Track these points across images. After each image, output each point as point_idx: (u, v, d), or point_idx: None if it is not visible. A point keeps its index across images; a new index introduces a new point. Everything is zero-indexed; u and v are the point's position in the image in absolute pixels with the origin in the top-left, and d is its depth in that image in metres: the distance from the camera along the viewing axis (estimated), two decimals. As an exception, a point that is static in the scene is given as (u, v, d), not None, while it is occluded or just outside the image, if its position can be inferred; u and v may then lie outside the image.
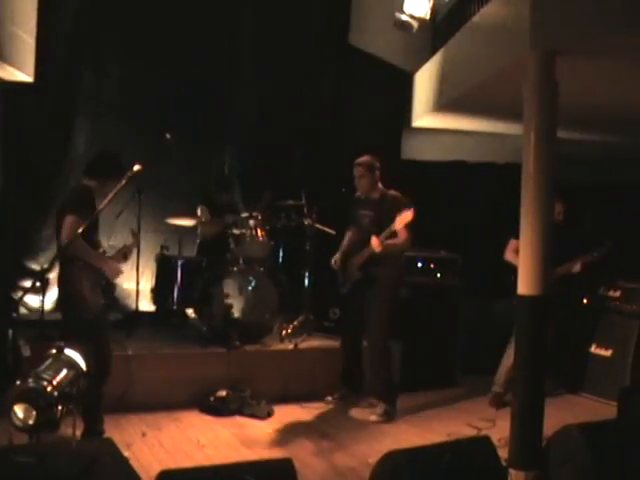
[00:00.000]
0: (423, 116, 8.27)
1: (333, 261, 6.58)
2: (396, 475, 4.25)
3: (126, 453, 4.56)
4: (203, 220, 7.31)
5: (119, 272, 5.31)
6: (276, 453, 5.24)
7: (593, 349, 7.48)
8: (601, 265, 6.99)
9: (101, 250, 5.25)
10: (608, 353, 7.44)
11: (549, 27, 5.08)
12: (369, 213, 6.36)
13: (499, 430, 5.64)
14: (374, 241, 6.01)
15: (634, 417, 6.05)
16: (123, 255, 5.47)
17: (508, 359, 6.87)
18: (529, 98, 5.12)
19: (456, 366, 7.66)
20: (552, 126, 5.13)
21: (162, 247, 7.54)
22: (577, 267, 6.84)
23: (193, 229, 7.49)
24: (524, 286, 5.09)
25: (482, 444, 4.76)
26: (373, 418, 6.22)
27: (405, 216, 5.92)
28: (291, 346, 6.87)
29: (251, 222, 7.14)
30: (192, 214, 7.34)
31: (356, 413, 6.34)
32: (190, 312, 7.52)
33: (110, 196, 4.92)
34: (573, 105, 5.94)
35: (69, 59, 7.63)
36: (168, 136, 6.93)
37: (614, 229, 8.53)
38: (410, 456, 4.41)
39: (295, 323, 7.25)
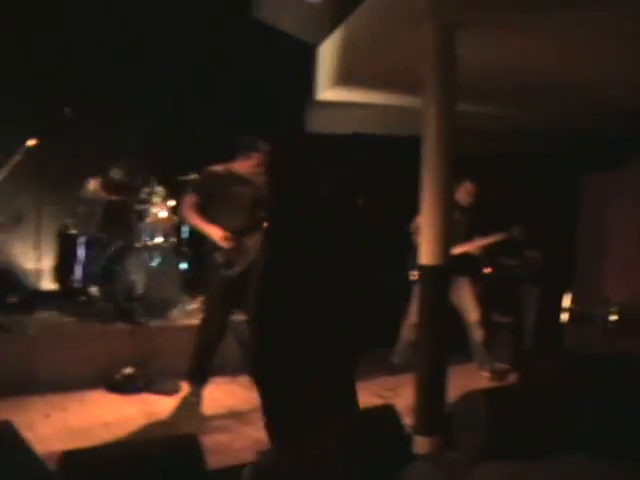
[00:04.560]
0: (327, 89, 8.27)
1: (225, 241, 5.75)
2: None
3: (27, 435, 4.46)
4: (94, 193, 7.16)
5: None
6: (183, 429, 5.22)
7: (494, 316, 7.69)
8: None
9: None
10: (508, 320, 7.67)
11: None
12: (250, 191, 6.04)
13: (403, 398, 5.75)
14: None
15: (534, 382, 6.25)
16: None
17: (406, 329, 7.06)
18: (428, 71, 5.18)
19: (362, 338, 7.74)
20: (451, 99, 5.20)
21: (63, 224, 7.39)
22: (479, 247, 7.03)
23: (95, 205, 7.34)
24: (426, 256, 5.18)
25: (386, 412, 4.85)
26: None
27: None
28: (197, 321, 6.83)
29: (154, 197, 7.06)
30: (93, 190, 7.21)
31: None
32: (94, 290, 7.39)
33: (3, 173, 4.79)
34: (475, 77, 6.05)
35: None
36: (67, 110, 6.78)
37: (518, 200, 8.79)
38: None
39: (201, 298, 7.21)
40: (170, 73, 8.11)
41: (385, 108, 8.73)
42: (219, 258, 5.70)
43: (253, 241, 5.88)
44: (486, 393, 5.40)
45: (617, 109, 8.17)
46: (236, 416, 5.73)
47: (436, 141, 5.12)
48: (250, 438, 5.19)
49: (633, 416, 5.44)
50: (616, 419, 5.38)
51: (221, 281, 5.75)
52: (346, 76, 7.59)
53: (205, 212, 5.79)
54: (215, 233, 5.67)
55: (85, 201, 7.31)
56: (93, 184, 7.21)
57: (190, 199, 5.84)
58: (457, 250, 6.77)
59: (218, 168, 5.94)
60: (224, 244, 5.66)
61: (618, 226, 6.73)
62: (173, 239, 7.34)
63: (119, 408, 5.80)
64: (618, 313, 6.57)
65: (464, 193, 7.03)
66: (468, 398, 5.30)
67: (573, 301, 7.13)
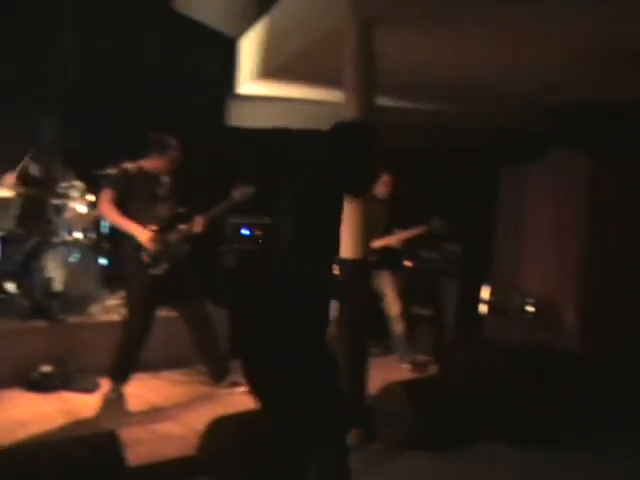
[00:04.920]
0: (248, 83, 8.26)
1: (151, 242, 5.63)
2: (224, 439, 4.30)
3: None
4: (10, 188, 7.00)
5: None
6: (104, 426, 5.15)
7: (415, 309, 7.78)
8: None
9: None
10: (429, 313, 7.77)
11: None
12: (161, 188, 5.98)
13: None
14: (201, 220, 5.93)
15: (453, 373, 6.36)
16: None
17: None
18: (348, 66, 5.22)
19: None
20: (371, 93, 5.26)
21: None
22: (400, 240, 7.09)
23: (11, 200, 7.17)
24: (346, 250, 5.22)
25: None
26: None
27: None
28: (117, 317, 6.75)
29: (72, 192, 6.94)
30: (9, 184, 7.05)
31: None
32: (10, 286, 7.21)
33: None
34: (394, 73, 6.12)
35: None
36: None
37: (438, 194, 8.92)
38: (238, 421, 4.47)
39: (121, 294, 7.12)
40: (89, 65, 7.97)
41: (307, 102, 8.76)
42: (144, 257, 5.63)
43: (174, 237, 5.85)
44: (407, 385, 5.51)
45: (534, 105, 8.36)
46: (158, 412, 5.68)
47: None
48: (172, 434, 5.15)
49: (549, 404, 5.60)
50: (533, 408, 5.53)
51: (146, 279, 5.69)
52: (268, 70, 7.60)
53: (123, 208, 5.70)
54: (141, 234, 5.60)
55: (0, 196, 7.13)
56: (8, 179, 7.04)
57: (107, 195, 5.72)
58: (378, 243, 6.86)
59: (130, 165, 5.86)
60: (149, 245, 5.60)
61: (534, 219, 6.88)
62: (92, 234, 7.23)
63: (37, 407, 5.68)
64: (535, 305, 6.72)
65: (382, 186, 7.09)
66: (389, 390, 5.39)
67: (491, 293, 7.26)
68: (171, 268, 5.77)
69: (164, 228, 5.79)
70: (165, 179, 5.96)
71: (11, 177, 7.04)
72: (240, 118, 8.86)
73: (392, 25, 5.47)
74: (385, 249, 7.02)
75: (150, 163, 5.89)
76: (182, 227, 5.91)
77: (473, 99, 8.20)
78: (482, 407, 5.49)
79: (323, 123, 8.51)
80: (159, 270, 5.73)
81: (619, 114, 8.13)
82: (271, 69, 7.50)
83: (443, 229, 7.15)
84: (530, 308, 6.67)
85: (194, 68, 8.34)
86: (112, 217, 5.71)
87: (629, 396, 5.98)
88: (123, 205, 5.71)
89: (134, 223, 5.63)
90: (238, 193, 6.08)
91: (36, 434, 5.01)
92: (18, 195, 7.06)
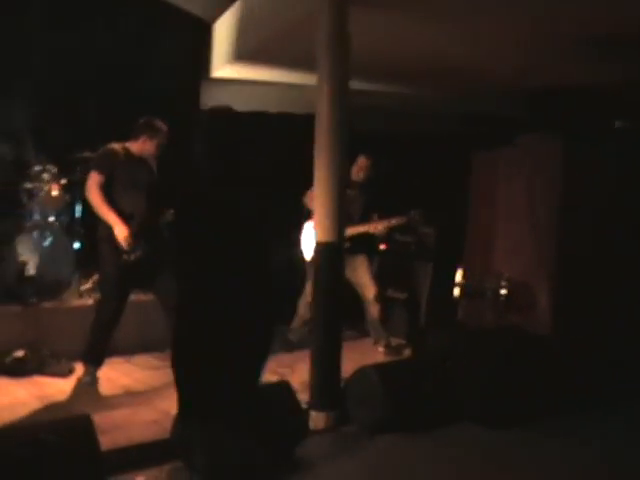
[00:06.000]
0: (223, 66, 8.23)
1: (126, 241, 5.58)
2: (198, 424, 4.31)
3: None
4: None
5: None
6: (78, 411, 5.14)
7: (389, 292, 7.82)
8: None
9: None
10: (403, 296, 7.82)
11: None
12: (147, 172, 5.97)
13: (299, 375, 5.82)
14: None
15: (426, 356, 6.41)
16: None
17: (301, 307, 7.13)
18: (322, 49, 5.22)
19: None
20: (345, 76, 5.26)
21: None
22: (378, 229, 7.10)
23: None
24: (320, 233, 5.24)
25: (282, 389, 4.91)
26: None
27: None
28: (91, 301, 6.72)
29: (45, 175, 6.89)
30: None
31: None
32: (-18, 271, 7.18)
33: None
34: (368, 56, 6.12)
35: None
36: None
37: (412, 178, 8.95)
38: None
39: (94, 278, 7.09)
40: (60, 47, 7.88)
41: (281, 86, 8.74)
42: (120, 244, 5.59)
43: (152, 223, 5.80)
44: (380, 368, 5.54)
45: (506, 90, 8.41)
46: (132, 396, 5.69)
47: (329, 118, 5.17)
48: (146, 418, 5.16)
49: (520, 387, 5.66)
50: (504, 390, 5.59)
51: (120, 264, 5.66)
52: (242, 53, 7.57)
53: (106, 193, 5.65)
54: (120, 231, 5.54)
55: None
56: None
57: (95, 178, 5.64)
58: (355, 230, 6.87)
59: (117, 146, 5.80)
60: (124, 242, 5.55)
61: (507, 202, 6.92)
62: (65, 218, 7.19)
63: (10, 392, 5.66)
64: (507, 288, 6.77)
65: (358, 168, 7.11)
66: (362, 373, 5.43)
67: (464, 276, 7.30)
68: (145, 253, 5.74)
69: (144, 212, 5.73)
70: (151, 163, 5.93)
71: None
72: (214, 102, 8.82)
73: (365, 7, 5.47)
74: (360, 233, 7.04)
75: (137, 146, 5.84)
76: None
77: (445, 83, 8.23)
78: (454, 390, 5.54)
79: (298, 106, 8.57)
80: (133, 257, 5.68)
81: (589, 97, 8.20)
82: (245, 52, 7.48)
83: (422, 220, 7.18)
84: (503, 291, 6.72)
85: (167, 52, 8.28)
86: (98, 204, 5.63)
87: (598, 379, 6.07)
88: (107, 186, 5.67)
89: (116, 214, 5.58)
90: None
91: (9, 419, 5.00)
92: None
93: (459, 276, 7.32)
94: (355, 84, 5.46)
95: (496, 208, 6.97)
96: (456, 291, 7.30)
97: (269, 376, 6.06)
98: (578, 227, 6.53)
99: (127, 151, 5.80)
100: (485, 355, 5.71)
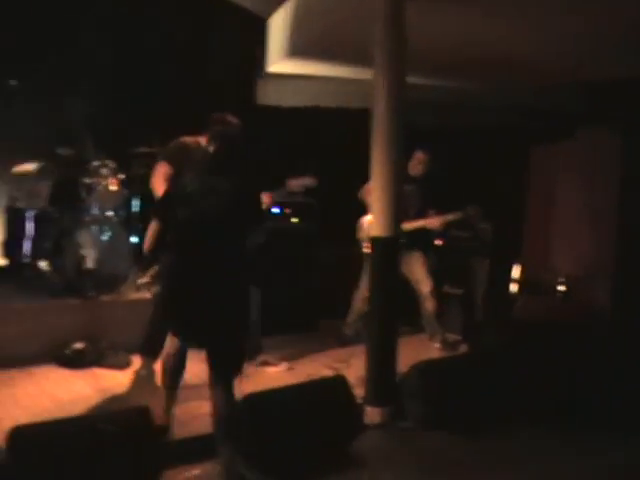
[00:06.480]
0: (278, 61, 8.23)
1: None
2: (254, 415, 4.33)
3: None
4: (39, 172, 7.06)
5: None
6: (135, 403, 5.20)
7: (445, 288, 7.76)
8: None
9: None
10: (459, 292, 7.75)
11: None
12: None
13: (355, 369, 5.80)
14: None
15: (483, 351, 6.36)
16: None
17: (357, 302, 7.11)
18: (379, 43, 5.19)
19: (316, 311, 7.80)
20: (401, 71, 5.22)
21: (11, 198, 7.29)
22: (435, 225, 7.06)
23: (43, 179, 7.24)
24: (377, 228, 5.22)
25: (338, 383, 4.91)
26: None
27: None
28: (148, 294, 6.79)
29: (103, 170, 6.98)
30: (39, 164, 7.12)
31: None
32: (43, 264, 7.29)
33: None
34: (424, 50, 6.06)
35: None
36: (13, 82, 6.67)
37: (469, 172, 8.86)
38: (266, 397, 4.50)
39: (152, 272, 7.16)
40: (119, 45, 7.99)
41: (336, 80, 8.71)
42: None
43: None
44: (435, 363, 5.51)
45: (565, 82, 8.27)
46: (188, 389, 5.71)
47: (385, 113, 5.14)
48: (201, 411, 5.18)
49: (578, 384, 5.56)
50: (562, 387, 5.49)
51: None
52: (297, 48, 7.56)
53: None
54: None
55: (32, 175, 7.20)
56: (37, 163, 7.11)
57: (162, 169, 5.63)
58: (411, 225, 6.82)
59: (189, 139, 5.81)
60: None
61: (566, 197, 6.82)
62: (123, 212, 7.28)
63: (69, 383, 5.75)
64: (566, 284, 6.67)
65: (415, 163, 7.06)
66: (418, 368, 5.39)
67: (522, 272, 7.22)
68: None
69: None
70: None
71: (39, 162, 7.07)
72: (269, 97, 8.85)
73: (422, 1, 5.43)
74: (417, 228, 6.99)
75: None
76: None
77: (504, 76, 8.12)
78: (511, 387, 5.48)
79: (353, 101, 8.54)
80: None
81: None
82: (301, 47, 7.46)
83: (478, 216, 7.12)
84: (561, 287, 6.62)
85: (223, 48, 8.32)
86: (158, 194, 5.69)
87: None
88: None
89: None
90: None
91: (68, 410, 5.08)
92: (50, 174, 7.13)
93: (516, 272, 7.24)
94: (411, 78, 5.42)
95: (555, 203, 6.87)
96: (513, 287, 7.22)
97: (325, 371, 6.09)
98: (639, 223, 6.40)
99: (199, 145, 5.83)
100: (542, 353, 5.64)
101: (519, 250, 7.49)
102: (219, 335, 4.39)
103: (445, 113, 9.18)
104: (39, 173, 7.15)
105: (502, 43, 6.79)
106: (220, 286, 4.29)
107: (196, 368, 6.25)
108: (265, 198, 5.91)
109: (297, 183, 6.00)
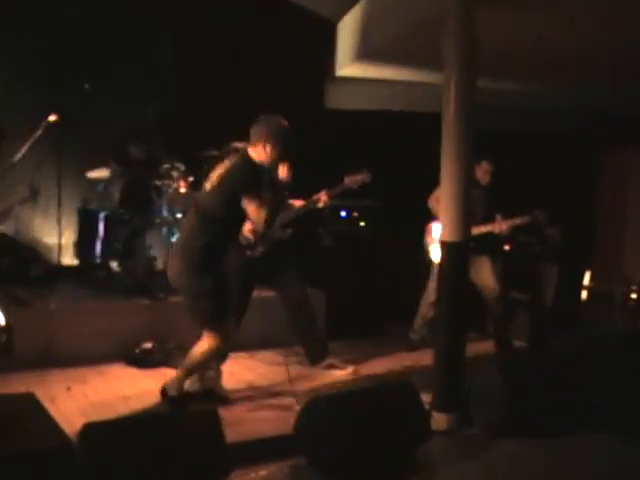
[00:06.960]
0: (347, 65, 8.23)
1: (250, 234, 5.74)
2: (321, 418, 4.33)
3: (49, 407, 4.52)
4: (111, 176, 7.19)
5: None
6: (202, 403, 5.26)
7: (513, 294, 7.68)
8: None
9: None
10: (526, 298, 7.66)
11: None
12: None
13: (422, 375, 5.76)
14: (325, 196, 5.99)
15: (550, 359, 6.26)
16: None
17: (424, 307, 7.07)
18: (449, 47, 5.15)
19: (382, 315, 7.78)
20: (472, 75, 5.18)
21: (84, 199, 7.44)
22: (502, 229, 6.98)
23: (115, 181, 7.36)
24: (446, 233, 5.19)
25: (404, 388, 4.88)
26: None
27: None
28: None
29: (174, 173, 7.08)
30: (111, 170, 7.26)
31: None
32: (114, 265, 7.42)
33: (25, 148, 4.81)
34: (495, 54, 6.00)
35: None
36: (87, 86, 6.79)
37: (537, 178, 8.74)
38: (334, 400, 4.49)
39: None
40: (187, 49, 8.07)
41: (405, 84, 8.68)
42: (243, 240, 5.69)
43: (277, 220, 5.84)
44: (503, 370, 5.43)
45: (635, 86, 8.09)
46: (255, 390, 5.77)
47: (455, 118, 5.10)
48: (268, 412, 5.22)
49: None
50: (633, 397, 5.37)
51: (243, 261, 5.75)
52: (366, 52, 7.55)
53: None
54: (244, 226, 5.63)
55: (104, 178, 7.33)
56: (109, 167, 7.23)
57: None
58: (479, 230, 6.74)
59: (240, 145, 5.87)
60: (248, 236, 5.65)
61: (638, 204, 6.69)
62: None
63: (138, 382, 5.85)
64: (637, 291, 6.55)
65: (482, 172, 6.99)
66: (485, 374, 5.33)
67: (592, 279, 7.10)
68: (269, 250, 5.83)
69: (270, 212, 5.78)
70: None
71: (111, 165, 7.21)
72: (338, 101, 8.85)
73: (492, 5, 5.37)
74: (484, 233, 6.92)
75: None
76: (308, 200, 6.00)
77: (575, 79, 7.98)
78: (581, 395, 5.38)
79: (423, 105, 8.50)
80: (256, 252, 5.79)
81: None
82: (370, 51, 7.45)
83: (546, 220, 7.02)
84: (633, 295, 6.50)
85: (293, 51, 8.35)
86: None
87: None
88: None
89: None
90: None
91: (137, 408, 5.16)
92: (121, 176, 7.24)
93: (587, 279, 7.13)
94: (481, 82, 5.37)
95: (627, 210, 6.75)
96: (584, 294, 7.11)
97: (391, 375, 6.08)
98: None
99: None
100: (613, 361, 5.53)
101: (588, 256, 7.38)
102: None
103: (514, 117, 9.07)
104: (111, 177, 7.27)
105: (574, 43, 6.67)
106: None
107: (262, 369, 6.33)
108: (322, 196, 5.96)
109: (353, 179, 5.99)
